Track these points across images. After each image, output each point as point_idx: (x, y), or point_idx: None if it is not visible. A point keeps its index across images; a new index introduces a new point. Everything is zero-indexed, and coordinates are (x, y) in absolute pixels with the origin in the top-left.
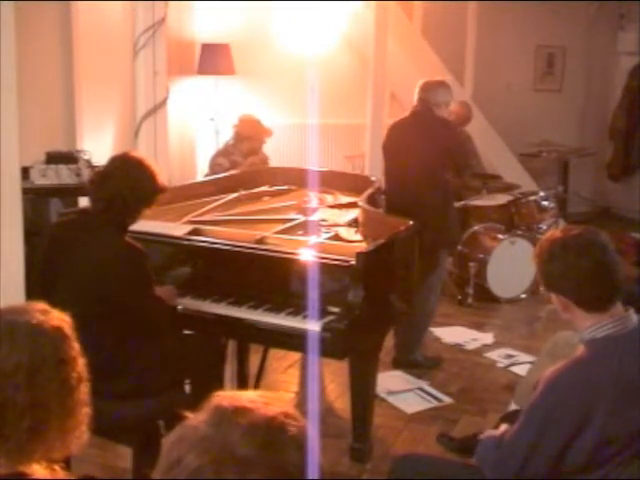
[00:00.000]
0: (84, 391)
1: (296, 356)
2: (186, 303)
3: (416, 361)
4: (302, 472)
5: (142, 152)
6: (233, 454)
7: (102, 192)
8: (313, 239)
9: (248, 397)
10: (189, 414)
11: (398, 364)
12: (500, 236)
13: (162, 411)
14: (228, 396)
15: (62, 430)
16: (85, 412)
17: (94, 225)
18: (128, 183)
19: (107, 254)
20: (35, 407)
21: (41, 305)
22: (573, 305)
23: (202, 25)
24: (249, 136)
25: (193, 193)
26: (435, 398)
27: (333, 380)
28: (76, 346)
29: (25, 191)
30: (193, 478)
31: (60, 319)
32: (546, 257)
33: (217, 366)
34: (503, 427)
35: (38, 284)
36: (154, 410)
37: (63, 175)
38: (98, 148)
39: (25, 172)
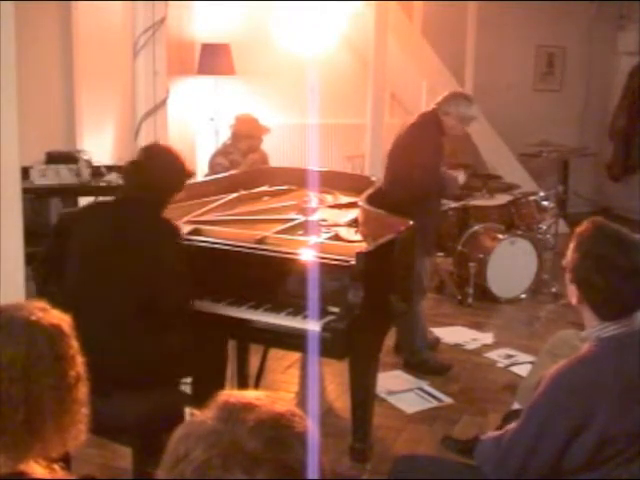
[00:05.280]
0: (82, 391)
1: (296, 356)
2: None
3: (423, 361)
4: (307, 469)
5: None
6: (241, 449)
7: (136, 181)
8: (313, 239)
9: (254, 395)
10: (195, 411)
11: (406, 365)
12: (500, 236)
13: (162, 411)
14: (235, 394)
15: (58, 427)
16: (83, 412)
17: (131, 213)
18: (161, 172)
19: (154, 233)
20: (30, 401)
21: (40, 303)
22: (588, 307)
23: (202, 25)
24: (247, 135)
25: (193, 193)
26: (435, 398)
27: (333, 380)
28: (75, 345)
29: (25, 191)
30: (199, 473)
31: (59, 317)
32: (591, 266)
33: (220, 367)
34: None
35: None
36: (154, 409)
37: (63, 175)
38: (98, 148)
39: (25, 172)
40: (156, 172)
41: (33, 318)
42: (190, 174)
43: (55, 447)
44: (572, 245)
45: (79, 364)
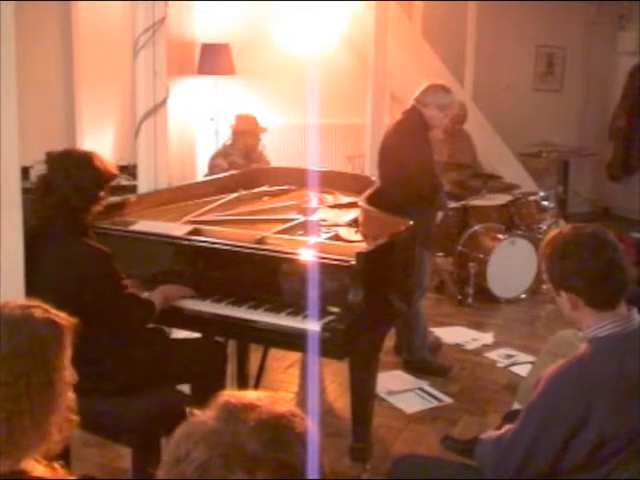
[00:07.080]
0: (57, 396)
1: (296, 356)
2: (186, 303)
3: (422, 361)
4: (307, 469)
5: (142, 152)
6: (241, 449)
7: (47, 200)
8: (313, 239)
9: (255, 395)
10: (195, 411)
11: (406, 365)
12: (500, 236)
13: (162, 411)
14: (235, 394)
15: (12, 426)
16: (64, 416)
17: (54, 233)
18: (71, 185)
19: (72, 263)
20: None
21: (30, 302)
22: (582, 304)
23: (202, 25)
24: (243, 131)
25: (193, 193)
26: (435, 398)
27: (333, 380)
28: (54, 348)
29: (25, 191)
30: (200, 473)
31: (45, 319)
32: (558, 256)
33: (220, 368)
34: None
35: None
36: (154, 410)
37: None
38: (98, 148)
39: (25, 172)
40: (66, 190)
41: (3, 313)
42: (111, 177)
43: (7, 444)
44: (543, 265)
45: (56, 369)
